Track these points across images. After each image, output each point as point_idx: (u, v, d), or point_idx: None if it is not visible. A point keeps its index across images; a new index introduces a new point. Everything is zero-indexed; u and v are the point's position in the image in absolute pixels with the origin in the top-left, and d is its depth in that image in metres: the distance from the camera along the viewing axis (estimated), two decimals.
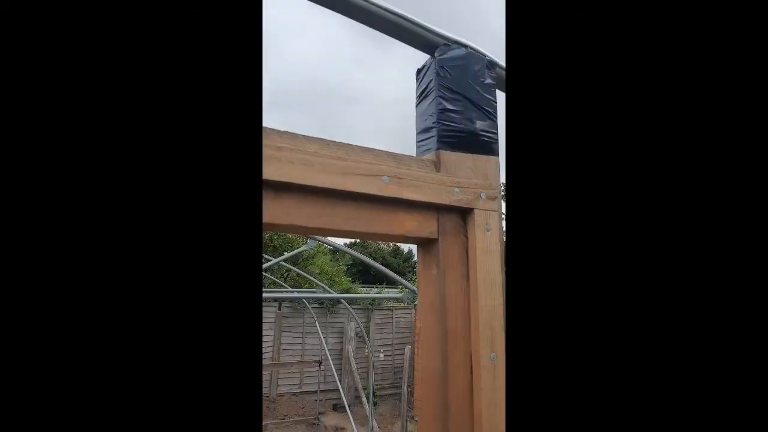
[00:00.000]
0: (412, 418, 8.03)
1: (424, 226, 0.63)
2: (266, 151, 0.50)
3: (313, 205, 0.55)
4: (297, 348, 9.71)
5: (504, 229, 0.68)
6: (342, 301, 7.50)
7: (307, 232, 0.58)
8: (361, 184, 0.57)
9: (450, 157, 0.66)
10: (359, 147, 0.60)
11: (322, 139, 0.58)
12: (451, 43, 0.69)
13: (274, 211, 0.51)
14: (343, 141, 0.59)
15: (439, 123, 0.66)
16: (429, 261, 0.66)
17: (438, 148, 0.66)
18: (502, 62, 0.75)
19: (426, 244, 0.66)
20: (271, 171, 0.50)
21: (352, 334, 9.74)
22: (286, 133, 0.55)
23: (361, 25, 0.68)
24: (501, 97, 0.73)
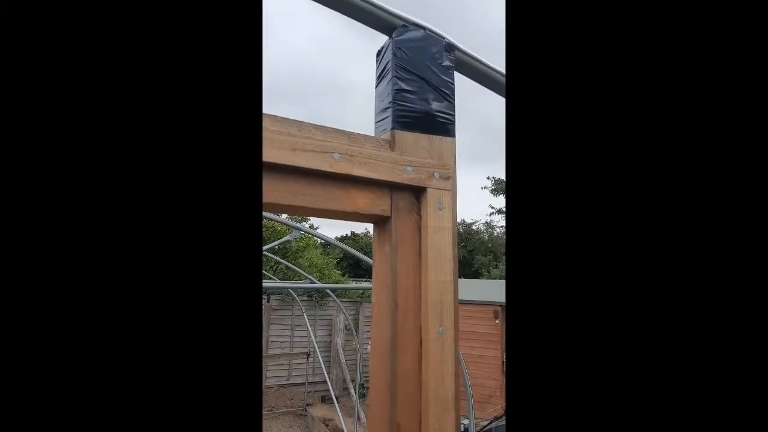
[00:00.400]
0: None
1: (377, 203, 0.64)
2: None
3: (265, 180, 0.56)
4: (285, 340, 9.72)
5: (456, 209, 0.70)
6: (330, 293, 7.52)
7: (264, 208, 0.59)
8: (311, 160, 0.58)
9: (405, 136, 0.68)
10: (311, 124, 0.61)
11: (273, 115, 0.58)
12: (409, 24, 0.70)
13: None
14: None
15: (394, 103, 0.67)
16: (383, 238, 0.67)
17: (393, 128, 0.67)
18: (463, 46, 0.76)
19: (380, 222, 0.68)
20: None
21: (341, 326, 9.78)
22: None
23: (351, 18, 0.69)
24: (460, 79, 0.75)
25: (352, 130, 0.65)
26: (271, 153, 0.55)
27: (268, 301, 9.60)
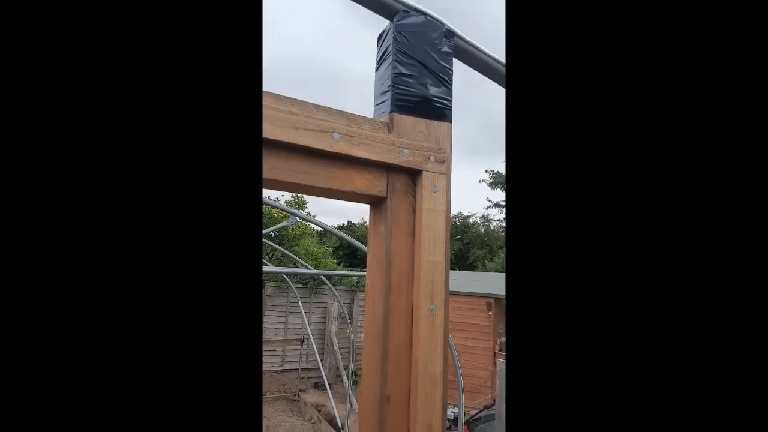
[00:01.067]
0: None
1: (374, 184, 0.66)
2: None
3: (268, 159, 0.58)
4: (280, 327, 9.79)
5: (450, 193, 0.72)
6: (325, 280, 7.56)
7: (264, 185, 0.60)
8: (312, 140, 0.59)
9: (403, 120, 0.69)
10: (313, 104, 0.63)
11: (277, 94, 0.60)
12: (410, 9, 0.71)
13: None
14: None
15: (393, 87, 0.69)
16: (378, 219, 0.69)
17: (391, 111, 0.69)
18: (466, 35, 0.77)
19: (376, 202, 0.69)
20: None
21: (335, 314, 9.85)
22: None
23: (353, 5, 0.70)
24: (458, 65, 0.76)
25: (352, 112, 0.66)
26: (273, 131, 0.56)
27: (264, 287, 9.65)
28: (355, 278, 9.74)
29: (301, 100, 0.62)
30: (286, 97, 0.61)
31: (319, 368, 8.13)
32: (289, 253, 7.70)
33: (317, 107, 0.63)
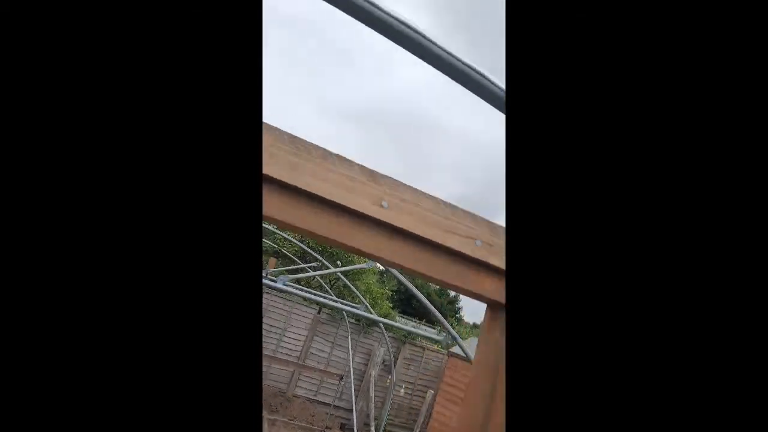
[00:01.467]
0: None
1: (500, 291, 0.71)
2: (392, 201, 0.62)
3: (418, 252, 0.66)
4: (323, 356, 9.86)
5: None
6: (380, 325, 7.55)
7: (408, 272, 0.68)
8: (458, 243, 0.66)
9: None
10: (462, 210, 0.70)
11: (436, 198, 0.69)
12: None
13: (388, 248, 0.62)
14: (426, 182, 0.70)
15: None
16: (494, 324, 0.73)
17: None
18: None
19: (495, 306, 0.74)
20: (392, 217, 0.62)
21: (379, 359, 9.69)
22: (410, 187, 0.67)
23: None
24: None
25: (493, 221, 0.73)
26: (428, 231, 0.64)
27: (318, 313, 9.88)
28: (405, 331, 9.59)
29: (454, 205, 0.70)
30: (443, 202, 0.69)
31: (350, 409, 7.96)
32: (351, 286, 7.88)
33: (465, 213, 0.71)
